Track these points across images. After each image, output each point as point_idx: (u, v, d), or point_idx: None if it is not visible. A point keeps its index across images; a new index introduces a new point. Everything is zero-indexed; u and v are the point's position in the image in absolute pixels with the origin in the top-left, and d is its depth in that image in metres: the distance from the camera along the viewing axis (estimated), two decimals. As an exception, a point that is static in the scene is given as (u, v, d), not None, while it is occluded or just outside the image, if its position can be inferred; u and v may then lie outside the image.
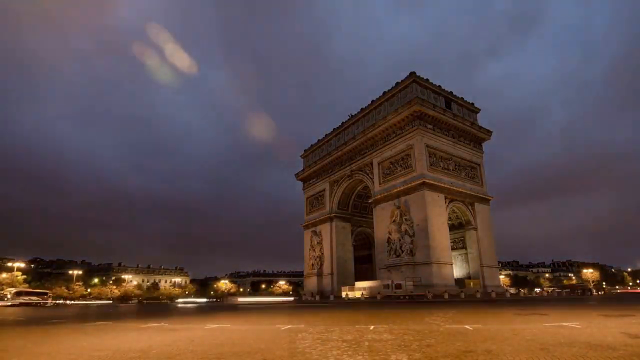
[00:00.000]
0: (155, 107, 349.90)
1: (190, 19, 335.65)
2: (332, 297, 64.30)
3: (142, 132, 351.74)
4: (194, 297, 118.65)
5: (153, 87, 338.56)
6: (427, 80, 62.64)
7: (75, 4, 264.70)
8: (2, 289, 64.02)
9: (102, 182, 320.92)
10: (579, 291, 74.00)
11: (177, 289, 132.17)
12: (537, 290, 71.47)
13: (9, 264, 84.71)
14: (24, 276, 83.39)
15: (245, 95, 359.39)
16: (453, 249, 58.57)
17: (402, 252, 56.34)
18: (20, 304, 50.83)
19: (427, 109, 59.06)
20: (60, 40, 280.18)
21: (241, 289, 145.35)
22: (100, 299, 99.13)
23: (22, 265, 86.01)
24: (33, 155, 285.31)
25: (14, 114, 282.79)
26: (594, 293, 74.05)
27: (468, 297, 48.70)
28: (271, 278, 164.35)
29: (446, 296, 46.09)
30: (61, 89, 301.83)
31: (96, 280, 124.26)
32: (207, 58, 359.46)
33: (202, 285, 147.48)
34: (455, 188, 59.38)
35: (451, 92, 65.85)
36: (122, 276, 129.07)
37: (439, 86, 64.15)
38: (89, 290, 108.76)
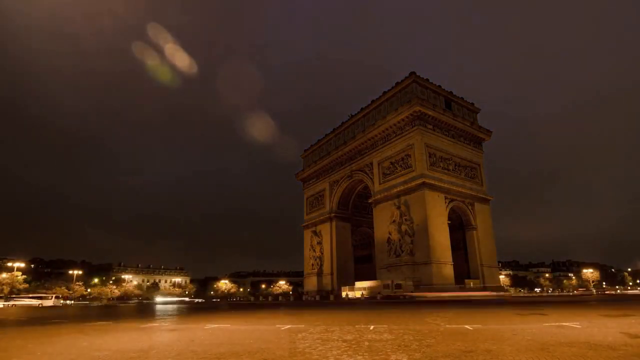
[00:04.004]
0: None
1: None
2: (332, 297, 64.30)
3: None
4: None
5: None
6: (427, 80, 62.64)
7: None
8: (2, 289, 64.10)
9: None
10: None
11: (177, 289, 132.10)
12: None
13: (9, 264, 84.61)
14: (24, 276, 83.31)
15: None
16: (453, 249, 58.59)
17: (402, 252, 56.36)
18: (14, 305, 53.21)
19: (427, 109, 59.08)
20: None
21: (241, 289, 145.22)
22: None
23: (22, 265, 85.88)
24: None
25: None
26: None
27: (467, 297, 48.67)
28: (271, 278, 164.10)
29: (446, 296, 46.08)
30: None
31: (96, 280, 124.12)
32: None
33: (202, 285, 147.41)
34: (455, 188, 59.38)
35: (451, 92, 65.84)
36: (122, 276, 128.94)
37: (439, 86, 64.14)
38: (89, 290, 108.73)
